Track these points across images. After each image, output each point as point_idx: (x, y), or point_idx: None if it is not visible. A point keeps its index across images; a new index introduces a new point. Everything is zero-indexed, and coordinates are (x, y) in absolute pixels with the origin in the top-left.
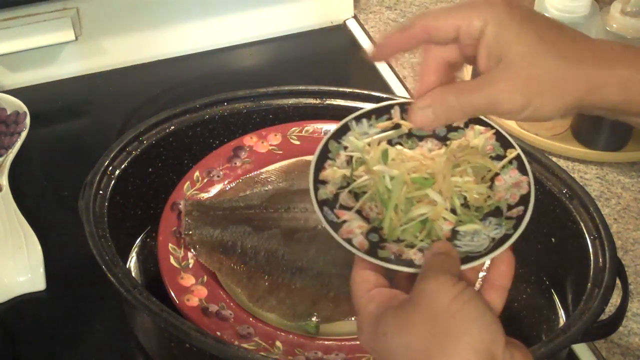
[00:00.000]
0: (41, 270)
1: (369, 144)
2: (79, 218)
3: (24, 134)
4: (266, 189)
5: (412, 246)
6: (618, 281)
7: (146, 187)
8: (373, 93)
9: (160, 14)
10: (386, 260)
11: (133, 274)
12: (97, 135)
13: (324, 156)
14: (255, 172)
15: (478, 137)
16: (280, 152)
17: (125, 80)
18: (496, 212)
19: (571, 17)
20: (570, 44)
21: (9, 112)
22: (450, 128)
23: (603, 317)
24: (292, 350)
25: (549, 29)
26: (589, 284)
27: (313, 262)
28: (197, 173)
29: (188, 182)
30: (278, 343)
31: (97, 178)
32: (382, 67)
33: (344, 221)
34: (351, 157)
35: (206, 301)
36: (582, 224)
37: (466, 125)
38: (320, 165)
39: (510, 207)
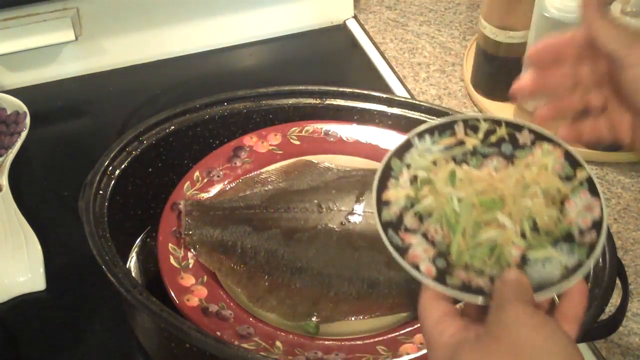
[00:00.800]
0: (41, 270)
1: (434, 163)
2: (79, 218)
3: (24, 134)
4: (266, 189)
5: (480, 272)
6: (618, 281)
7: (146, 187)
8: (373, 93)
9: (160, 14)
10: (458, 288)
11: (133, 274)
12: (97, 135)
13: (387, 174)
14: (255, 172)
15: (547, 156)
16: (280, 152)
17: (125, 80)
18: (567, 237)
19: (571, 17)
20: None
21: (9, 112)
22: (517, 145)
23: (603, 317)
24: (292, 350)
25: None
26: (589, 284)
27: (313, 262)
28: (197, 173)
29: (188, 182)
30: (278, 343)
31: (97, 178)
32: (382, 67)
33: (409, 245)
34: (415, 176)
35: (206, 301)
36: None
37: (533, 142)
38: (382, 184)
39: (581, 232)
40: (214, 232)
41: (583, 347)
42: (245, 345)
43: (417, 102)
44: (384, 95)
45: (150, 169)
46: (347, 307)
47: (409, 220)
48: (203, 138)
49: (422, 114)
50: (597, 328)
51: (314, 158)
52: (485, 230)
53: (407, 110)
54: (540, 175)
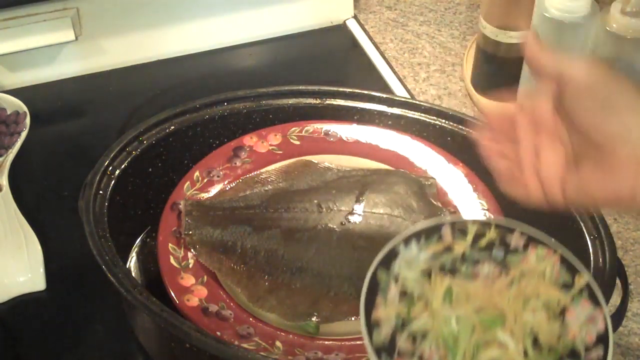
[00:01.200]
0: (41, 270)
1: (424, 273)
2: (79, 218)
3: (24, 134)
4: (266, 189)
5: None
6: (618, 281)
7: (146, 187)
8: (373, 93)
9: (160, 14)
10: None
11: (133, 274)
12: (97, 135)
13: (374, 289)
14: (255, 172)
15: (542, 262)
16: (280, 152)
17: (125, 80)
18: (572, 354)
19: (571, 17)
20: None
21: (9, 112)
22: (508, 250)
23: None
24: (292, 350)
25: None
26: None
27: (313, 262)
28: (197, 173)
29: (188, 182)
30: (278, 343)
31: (97, 178)
32: (382, 67)
33: None
34: (404, 290)
35: (206, 301)
36: (582, 224)
37: (525, 246)
38: (370, 299)
39: (587, 348)
40: (214, 232)
41: None
42: (245, 345)
43: (417, 102)
44: (384, 95)
45: (150, 169)
46: (347, 307)
47: (403, 343)
48: (203, 138)
49: (422, 114)
50: None
51: (314, 158)
52: (485, 350)
53: (407, 110)
54: (539, 285)
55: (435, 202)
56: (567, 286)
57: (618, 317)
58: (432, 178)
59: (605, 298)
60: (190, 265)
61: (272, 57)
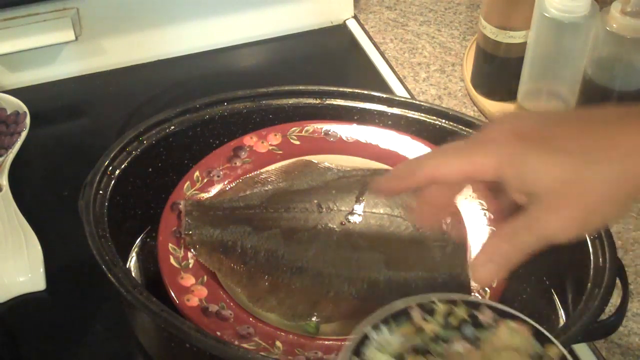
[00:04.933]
0: (41, 270)
1: (396, 357)
2: (79, 218)
3: (24, 134)
4: (266, 189)
5: None
6: (618, 281)
7: (146, 187)
8: (373, 93)
9: (160, 14)
10: None
11: (133, 274)
12: (97, 135)
13: None
14: (255, 172)
15: (512, 335)
16: (280, 152)
17: (125, 80)
18: None
19: (571, 17)
20: (590, 135)
21: (9, 112)
22: (478, 325)
23: (603, 317)
24: (292, 350)
25: (566, 135)
26: (589, 284)
27: (313, 262)
28: (197, 173)
29: (188, 182)
30: (278, 343)
31: (97, 178)
32: (382, 67)
33: None
34: None
35: (206, 301)
36: None
37: (495, 321)
38: None
39: None
40: (214, 232)
41: (583, 347)
42: (245, 345)
43: (417, 102)
44: (384, 95)
45: (150, 169)
46: (347, 307)
47: None
48: (203, 138)
49: (422, 114)
50: (597, 328)
51: (314, 158)
52: None
53: (407, 110)
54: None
55: None
56: (540, 357)
57: (618, 317)
58: None
59: (605, 298)
60: (190, 265)
61: (272, 57)
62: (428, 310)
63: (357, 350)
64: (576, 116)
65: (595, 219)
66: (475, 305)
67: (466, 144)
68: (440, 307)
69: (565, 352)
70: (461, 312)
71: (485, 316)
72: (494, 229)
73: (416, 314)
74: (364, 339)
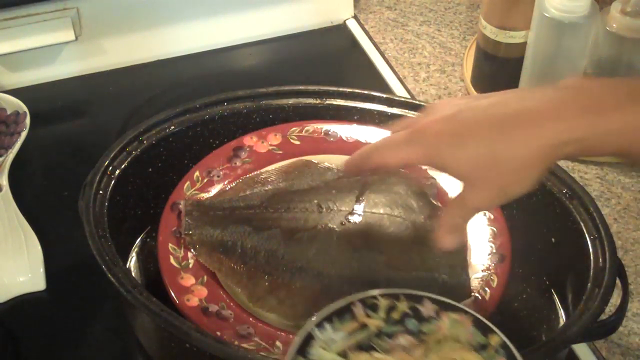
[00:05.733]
0: (41, 270)
1: (341, 354)
2: (79, 218)
3: (24, 134)
4: (266, 189)
5: None
6: (618, 281)
7: (146, 187)
8: (373, 93)
9: (160, 14)
10: None
11: (133, 274)
12: (97, 135)
13: None
14: (255, 172)
15: (454, 327)
16: (280, 152)
17: (125, 80)
18: None
19: (571, 17)
20: (513, 119)
21: (9, 112)
22: (421, 318)
23: (603, 317)
24: None
25: (486, 124)
26: (589, 284)
27: (313, 262)
28: (197, 173)
29: (188, 182)
30: (278, 343)
31: (97, 178)
32: (382, 67)
33: None
34: None
35: (206, 301)
36: (582, 224)
37: (437, 313)
38: None
39: None
40: (214, 232)
41: (583, 347)
42: (245, 345)
43: (417, 102)
44: (384, 95)
45: (150, 169)
46: None
47: None
48: (203, 138)
49: None
50: (597, 328)
51: (314, 158)
52: None
53: (407, 110)
54: (456, 351)
55: (435, 202)
56: (483, 347)
57: (618, 317)
58: (432, 178)
59: (605, 298)
60: (190, 265)
61: (272, 57)
62: (370, 306)
63: (303, 350)
64: (494, 103)
65: (513, 189)
66: (417, 299)
67: (404, 135)
68: (383, 302)
69: (506, 339)
70: (403, 306)
71: (427, 309)
72: (494, 229)
73: (359, 311)
74: (309, 338)
